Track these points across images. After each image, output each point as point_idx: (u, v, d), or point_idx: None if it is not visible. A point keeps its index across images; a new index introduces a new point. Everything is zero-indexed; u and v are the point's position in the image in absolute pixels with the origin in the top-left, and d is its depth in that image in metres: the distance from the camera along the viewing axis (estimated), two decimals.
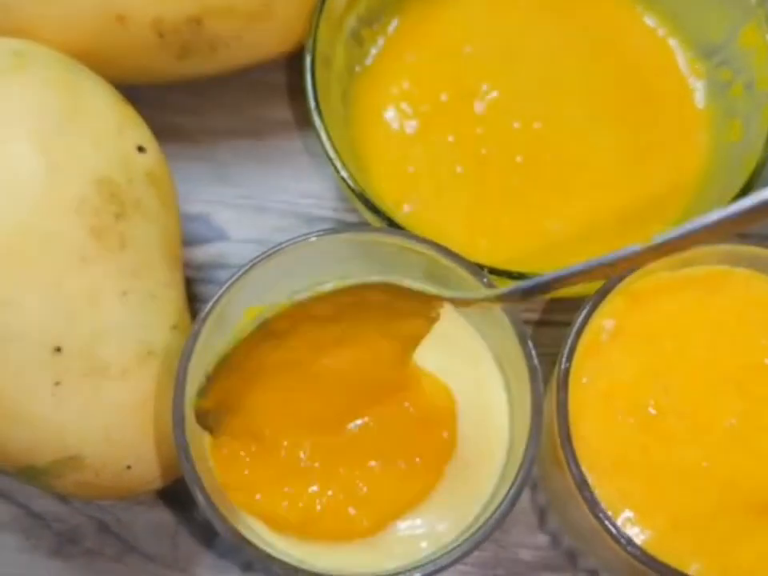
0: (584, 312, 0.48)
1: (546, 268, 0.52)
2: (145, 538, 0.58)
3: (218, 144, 0.65)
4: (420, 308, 0.47)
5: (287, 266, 0.51)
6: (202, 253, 0.63)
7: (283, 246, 0.51)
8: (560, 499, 0.52)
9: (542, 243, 0.58)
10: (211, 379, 0.47)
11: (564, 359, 0.48)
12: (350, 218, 0.64)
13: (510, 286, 0.44)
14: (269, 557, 0.46)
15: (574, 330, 0.48)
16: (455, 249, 0.50)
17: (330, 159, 0.55)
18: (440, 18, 0.63)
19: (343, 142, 0.57)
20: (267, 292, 0.52)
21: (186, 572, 0.58)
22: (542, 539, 0.58)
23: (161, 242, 0.54)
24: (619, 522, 0.46)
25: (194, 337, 0.49)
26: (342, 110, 0.60)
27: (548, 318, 0.61)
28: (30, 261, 0.49)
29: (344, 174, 0.54)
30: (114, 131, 0.53)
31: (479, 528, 0.47)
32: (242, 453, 0.50)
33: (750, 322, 0.50)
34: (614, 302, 0.49)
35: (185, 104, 0.66)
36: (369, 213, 0.54)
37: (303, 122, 0.65)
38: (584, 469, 0.46)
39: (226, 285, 0.50)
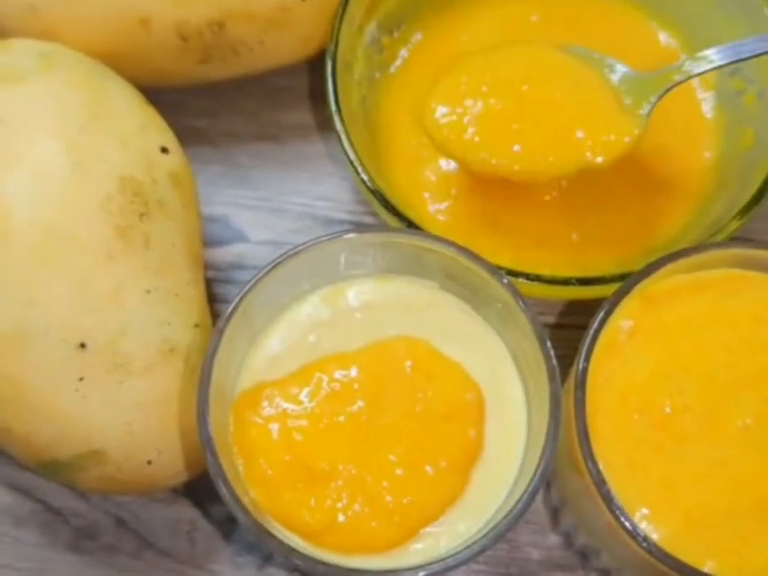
0: (602, 313, 0.49)
1: (562, 272, 0.54)
2: (162, 534, 0.59)
3: (237, 147, 0.66)
4: None
5: (308, 266, 0.52)
6: (222, 254, 0.64)
7: (305, 246, 0.51)
8: (576, 497, 0.52)
9: (559, 250, 0.59)
10: None
11: (582, 358, 0.49)
12: (367, 220, 0.64)
13: None
14: (291, 550, 0.47)
15: (592, 329, 0.49)
16: (476, 250, 0.51)
17: (350, 161, 0.56)
18: (462, 31, 0.65)
19: (363, 146, 0.58)
20: (287, 292, 0.53)
21: (203, 568, 0.58)
22: (554, 539, 0.58)
23: (183, 242, 0.54)
24: (635, 520, 0.47)
25: (219, 334, 0.49)
26: (362, 115, 0.61)
27: (563, 321, 0.62)
28: (56, 259, 0.50)
29: (364, 176, 0.55)
30: (137, 132, 0.54)
31: (494, 527, 0.48)
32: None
33: (765, 324, 0.50)
34: (631, 303, 0.50)
35: (205, 107, 0.67)
36: (388, 214, 0.55)
37: (320, 126, 0.66)
38: (601, 466, 0.47)
39: (250, 284, 0.51)
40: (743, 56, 0.55)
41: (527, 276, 0.53)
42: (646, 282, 0.50)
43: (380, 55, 0.63)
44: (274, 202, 0.65)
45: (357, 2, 0.59)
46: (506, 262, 0.54)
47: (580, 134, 0.54)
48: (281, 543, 0.47)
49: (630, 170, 0.60)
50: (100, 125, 0.53)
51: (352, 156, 0.56)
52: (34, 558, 0.59)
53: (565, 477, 0.53)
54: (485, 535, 0.47)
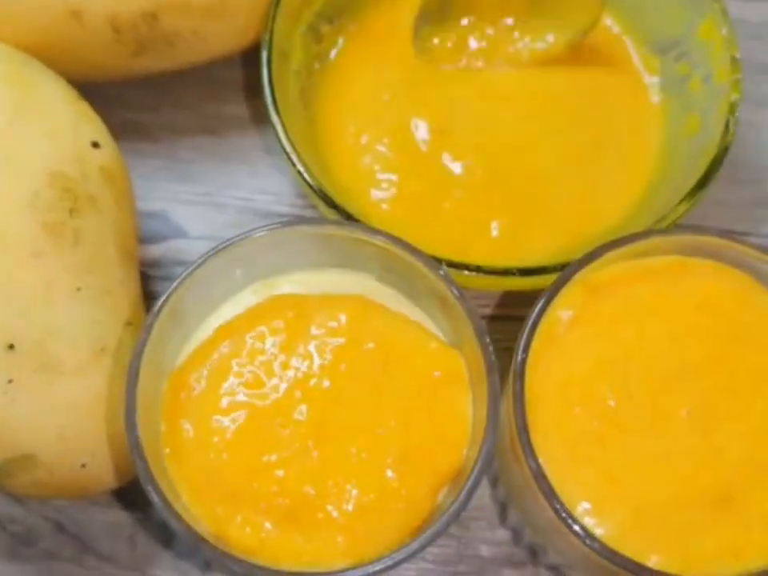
0: (541, 302, 0.48)
1: (500, 261, 0.53)
2: (102, 539, 0.57)
3: (175, 141, 0.65)
4: None
5: (240, 260, 0.51)
6: (161, 250, 0.62)
7: (235, 239, 0.50)
8: (519, 493, 0.51)
9: (496, 236, 0.58)
10: None
11: (521, 350, 0.47)
12: (308, 213, 0.63)
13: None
14: (225, 555, 0.45)
15: (531, 320, 0.48)
16: (415, 242, 0.50)
17: (286, 153, 0.55)
18: (399, 18, 0.63)
19: (302, 138, 0.56)
20: (220, 286, 0.52)
21: (144, 573, 0.57)
22: (503, 535, 0.57)
23: (115, 239, 0.53)
24: (578, 515, 0.46)
25: (147, 331, 0.48)
26: (302, 107, 0.60)
27: (502, 312, 0.61)
28: None
29: (300, 167, 0.54)
30: (68, 127, 0.53)
31: (433, 524, 0.46)
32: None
33: (708, 311, 0.49)
34: (572, 292, 0.49)
35: (142, 101, 0.65)
36: (326, 207, 0.54)
37: (260, 118, 0.65)
38: (541, 461, 0.46)
39: (179, 279, 0.49)
40: None
41: (467, 267, 0.52)
42: (586, 269, 0.49)
43: (319, 45, 0.61)
44: (214, 196, 0.64)
45: None
46: (448, 252, 0.52)
47: None
48: (215, 549, 0.46)
49: (574, 156, 0.60)
50: (28, 119, 0.52)
51: (288, 148, 0.54)
52: None
53: (508, 471, 0.52)
54: (424, 531, 0.46)
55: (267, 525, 0.48)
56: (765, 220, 0.64)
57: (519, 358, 0.47)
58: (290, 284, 0.53)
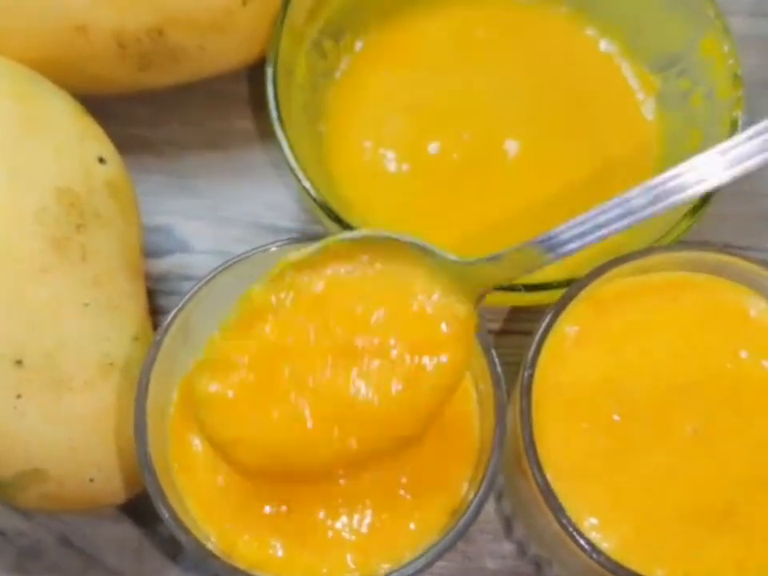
0: (547, 318, 0.48)
1: None
2: (109, 553, 0.58)
3: (180, 156, 0.65)
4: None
5: (250, 275, 0.51)
6: (165, 264, 0.63)
7: (245, 255, 0.50)
8: (525, 507, 0.52)
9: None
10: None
11: (528, 365, 0.48)
12: (314, 229, 0.64)
13: None
14: (234, 569, 0.46)
15: (538, 336, 0.48)
16: None
17: (291, 169, 0.55)
18: (406, 38, 0.64)
19: (307, 153, 0.57)
20: (230, 302, 0.52)
21: None
22: (509, 548, 0.58)
23: (122, 253, 0.53)
24: (584, 529, 0.46)
25: (156, 346, 0.48)
26: (306, 121, 0.60)
27: (509, 327, 0.61)
28: None
29: (305, 183, 0.54)
30: (74, 142, 0.53)
31: (441, 538, 0.47)
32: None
33: (711, 327, 0.50)
34: (578, 308, 0.49)
35: (147, 116, 0.66)
36: (330, 222, 0.54)
37: (266, 133, 0.65)
38: (548, 476, 0.46)
39: (189, 294, 0.50)
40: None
41: None
42: (593, 285, 0.49)
43: (323, 60, 0.62)
44: (219, 211, 0.64)
45: (297, 7, 0.58)
46: None
47: None
48: (224, 564, 0.46)
49: (576, 174, 0.60)
50: (35, 135, 0.52)
51: (293, 164, 0.55)
52: None
53: (514, 485, 0.52)
54: (432, 546, 0.46)
55: (276, 542, 0.48)
56: (767, 234, 0.64)
57: (526, 373, 0.48)
58: None
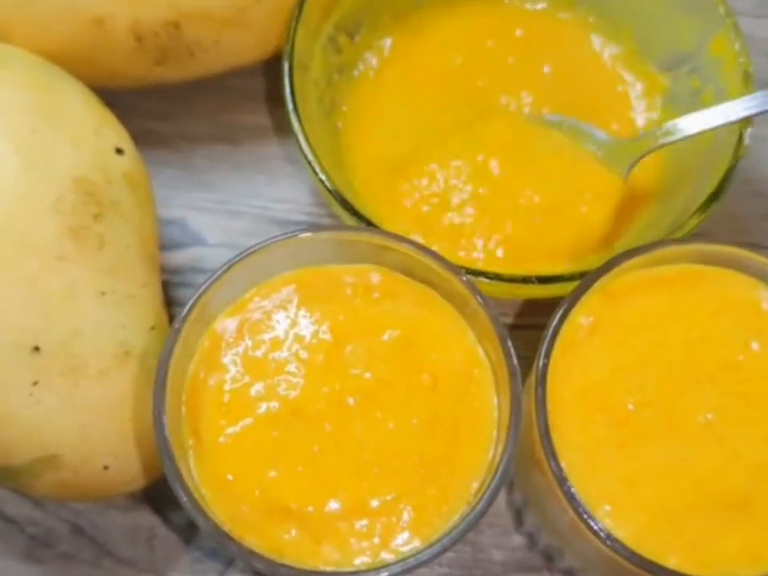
0: (562, 309, 0.49)
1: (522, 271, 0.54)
2: (120, 542, 0.58)
3: (194, 149, 0.66)
4: None
5: (264, 266, 0.52)
6: (179, 257, 0.63)
7: (259, 246, 0.51)
8: (538, 497, 0.52)
9: (522, 249, 0.60)
10: None
11: (542, 356, 0.48)
12: (326, 222, 0.64)
13: None
14: (251, 552, 0.46)
15: (552, 327, 0.49)
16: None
17: (308, 161, 0.55)
18: (419, 42, 0.65)
19: (322, 146, 0.57)
20: (244, 293, 0.52)
21: None
22: (518, 540, 0.58)
23: (138, 243, 0.54)
24: (598, 517, 0.47)
25: (175, 335, 0.49)
26: (321, 115, 0.60)
27: (522, 321, 0.62)
28: (7, 260, 0.49)
29: (321, 175, 0.55)
30: (91, 132, 0.54)
31: (454, 527, 0.47)
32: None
33: (723, 319, 0.50)
34: (591, 299, 0.50)
35: (161, 110, 0.66)
36: (346, 213, 0.55)
37: (279, 128, 0.66)
38: (562, 464, 0.47)
39: (205, 285, 0.50)
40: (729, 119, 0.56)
41: (486, 274, 0.53)
42: (606, 277, 0.50)
43: (338, 56, 0.63)
44: (232, 204, 0.64)
45: (313, 2, 0.59)
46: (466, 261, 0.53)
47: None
48: (241, 547, 0.46)
49: None
50: (53, 126, 0.52)
51: (309, 156, 0.55)
52: None
53: (527, 476, 0.53)
54: (445, 535, 0.47)
55: (289, 528, 0.48)
56: None
57: (541, 363, 0.48)
58: None
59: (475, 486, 0.49)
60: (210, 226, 0.64)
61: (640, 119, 0.64)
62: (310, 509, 0.48)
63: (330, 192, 0.55)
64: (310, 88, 0.60)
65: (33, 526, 0.58)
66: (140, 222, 0.54)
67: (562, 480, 0.46)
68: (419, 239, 0.57)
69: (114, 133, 0.55)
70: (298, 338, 0.51)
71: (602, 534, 0.46)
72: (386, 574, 0.46)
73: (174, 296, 0.61)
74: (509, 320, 0.62)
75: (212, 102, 0.66)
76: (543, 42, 0.66)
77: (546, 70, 0.65)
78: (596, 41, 0.66)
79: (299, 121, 0.56)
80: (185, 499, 0.46)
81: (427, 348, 0.51)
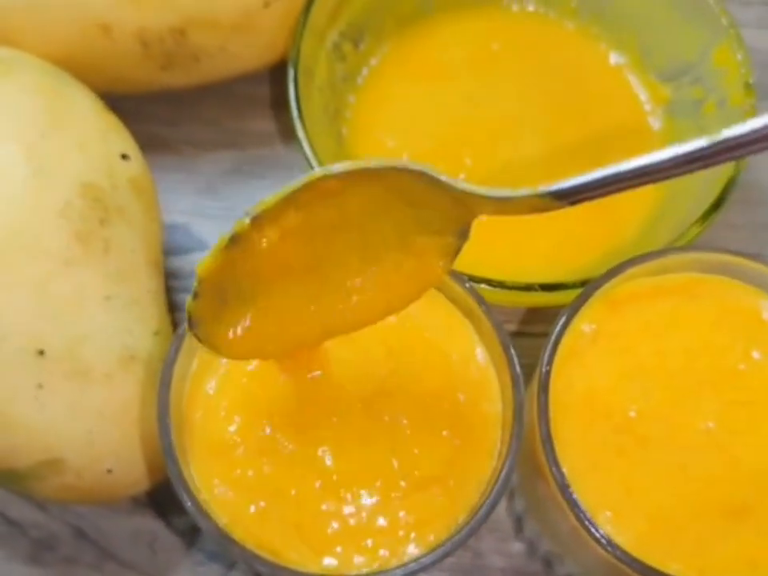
0: (564, 317, 0.49)
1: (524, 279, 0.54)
2: (123, 545, 0.58)
3: (198, 155, 0.66)
4: (450, 218, 0.44)
5: None
6: (182, 262, 0.63)
7: None
8: (539, 503, 0.52)
9: (524, 258, 0.60)
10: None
11: (545, 363, 0.48)
12: None
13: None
14: (253, 555, 0.46)
15: (555, 334, 0.49)
16: None
17: (313, 167, 0.56)
18: (423, 49, 0.66)
19: (327, 152, 0.58)
20: None
21: None
22: (518, 547, 0.58)
23: (144, 249, 0.54)
24: (598, 524, 0.47)
25: (180, 339, 0.49)
26: (326, 121, 0.61)
27: (525, 329, 0.62)
28: (14, 264, 0.49)
29: None
30: (97, 138, 0.54)
31: (456, 533, 0.47)
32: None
33: (725, 327, 0.51)
34: (594, 307, 0.50)
35: (166, 115, 0.67)
36: None
37: (283, 134, 0.66)
38: (564, 470, 0.47)
39: None
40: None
41: (489, 282, 0.53)
42: (608, 285, 0.50)
43: (343, 63, 0.63)
44: (236, 210, 0.64)
45: (319, 10, 0.59)
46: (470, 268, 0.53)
47: None
48: (243, 550, 0.46)
49: None
50: (60, 131, 0.53)
51: (314, 162, 0.56)
52: None
53: (529, 482, 0.53)
54: (447, 540, 0.47)
55: (288, 537, 0.48)
56: None
57: (544, 370, 0.48)
58: None
59: (478, 491, 0.49)
60: (215, 231, 0.63)
61: (654, 122, 0.65)
62: (311, 512, 0.49)
63: None
64: (315, 94, 0.60)
65: (36, 530, 0.58)
66: (145, 228, 0.55)
67: (563, 486, 0.47)
68: None
69: (120, 138, 0.56)
70: None
71: (603, 540, 0.46)
72: None
73: (176, 301, 0.61)
74: (512, 327, 0.62)
75: (217, 108, 0.67)
76: (547, 50, 0.67)
77: (549, 77, 0.66)
78: (601, 48, 0.66)
79: (304, 127, 0.56)
80: (188, 503, 0.46)
81: (431, 353, 0.51)
